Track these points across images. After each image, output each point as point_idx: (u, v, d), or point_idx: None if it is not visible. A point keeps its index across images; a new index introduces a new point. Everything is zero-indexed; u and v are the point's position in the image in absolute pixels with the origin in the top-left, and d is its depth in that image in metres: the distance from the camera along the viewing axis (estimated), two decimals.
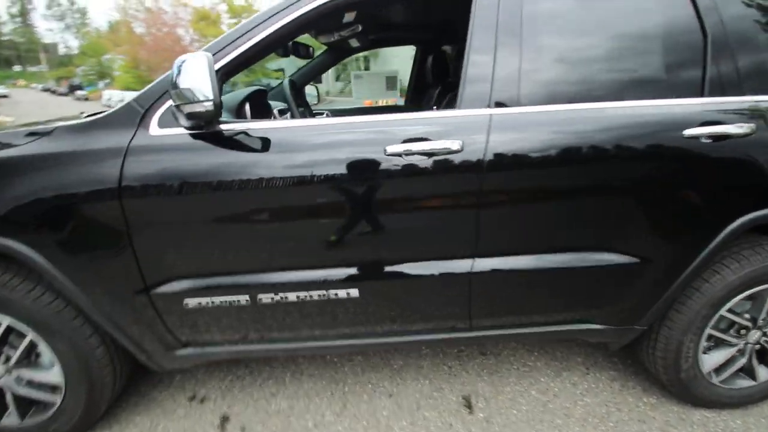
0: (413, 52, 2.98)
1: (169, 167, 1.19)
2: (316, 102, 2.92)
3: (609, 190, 1.30)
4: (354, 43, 2.29)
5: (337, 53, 2.69)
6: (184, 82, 1.07)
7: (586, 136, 1.23)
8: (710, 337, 1.47)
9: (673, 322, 1.45)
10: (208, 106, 1.07)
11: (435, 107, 1.55)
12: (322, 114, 2.82)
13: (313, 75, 2.72)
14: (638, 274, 1.36)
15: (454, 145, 1.20)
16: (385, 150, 1.21)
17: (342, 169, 1.21)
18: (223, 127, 1.22)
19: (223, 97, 1.22)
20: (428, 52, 2.47)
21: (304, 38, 2.29)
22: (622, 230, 1.32)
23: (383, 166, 1.21)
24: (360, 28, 1.87)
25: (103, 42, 34.79)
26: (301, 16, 1.24)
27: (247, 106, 1.69)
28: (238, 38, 1.24)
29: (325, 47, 2.68)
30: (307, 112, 2.12)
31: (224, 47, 1.24)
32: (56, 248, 1.20)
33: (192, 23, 20.83)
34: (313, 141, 1.25)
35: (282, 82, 2.68)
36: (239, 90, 1.86)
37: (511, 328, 1.49)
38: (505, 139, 1.23)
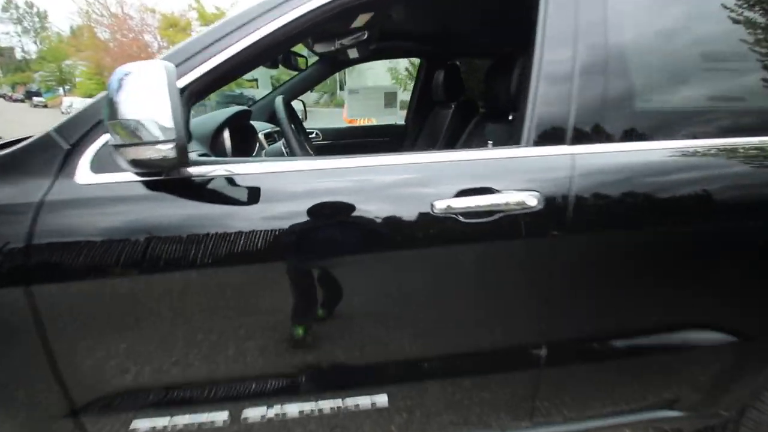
0: (391, 64, 2.68)
1: (107, 233, 0.78)
2: (303, 119, 2.55)
3: (715, 255, 1.00)
4: (353, 53, 1.94)
5: (332, 65, 2.33)
6: (127, 109, 0.67)
7: (690, 182, 0.95)
8: None
9: (765, 404, 1.19)
10: (167, 149, 0.68)
11: (490, 142, 1.20)
12: (311, 134, 2.45)
13: (303, 89, 2.34)
14: (736, 354, 1.10)
15: (530, 199, 0.85)
16: (432, 205, 0.85)
17: (367, 234, 0.86)
18: (193, 170, 0.83)
19: (192, 121, 0.82)
20: (437, 66, 2.16)
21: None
22: (725, 302, 1.05)
23: (428, 228, 0.85)
24: (366, 35, 1.53)
25: (64, 47, 33.03)
26: (308, 13, 0.85)
27: (227, 135, 1.27)
28: (215, 42, 0.84)
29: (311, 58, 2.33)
30: (302, 134, 1.74)
31: (194, 55, 0.83)
32: None
33: (160, 30, 19.95)
34: (324, 188, 0.87)
35: (266, 99, 2.30)
36: (215, 111, 1.44)
37: (580, 421, 1.17)
38: (593, 189, 0.89)
